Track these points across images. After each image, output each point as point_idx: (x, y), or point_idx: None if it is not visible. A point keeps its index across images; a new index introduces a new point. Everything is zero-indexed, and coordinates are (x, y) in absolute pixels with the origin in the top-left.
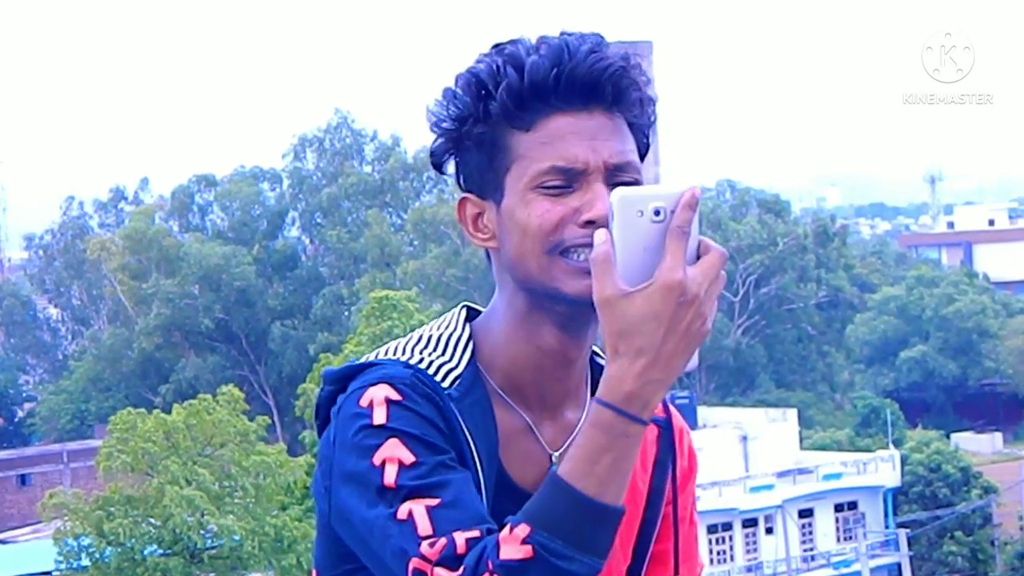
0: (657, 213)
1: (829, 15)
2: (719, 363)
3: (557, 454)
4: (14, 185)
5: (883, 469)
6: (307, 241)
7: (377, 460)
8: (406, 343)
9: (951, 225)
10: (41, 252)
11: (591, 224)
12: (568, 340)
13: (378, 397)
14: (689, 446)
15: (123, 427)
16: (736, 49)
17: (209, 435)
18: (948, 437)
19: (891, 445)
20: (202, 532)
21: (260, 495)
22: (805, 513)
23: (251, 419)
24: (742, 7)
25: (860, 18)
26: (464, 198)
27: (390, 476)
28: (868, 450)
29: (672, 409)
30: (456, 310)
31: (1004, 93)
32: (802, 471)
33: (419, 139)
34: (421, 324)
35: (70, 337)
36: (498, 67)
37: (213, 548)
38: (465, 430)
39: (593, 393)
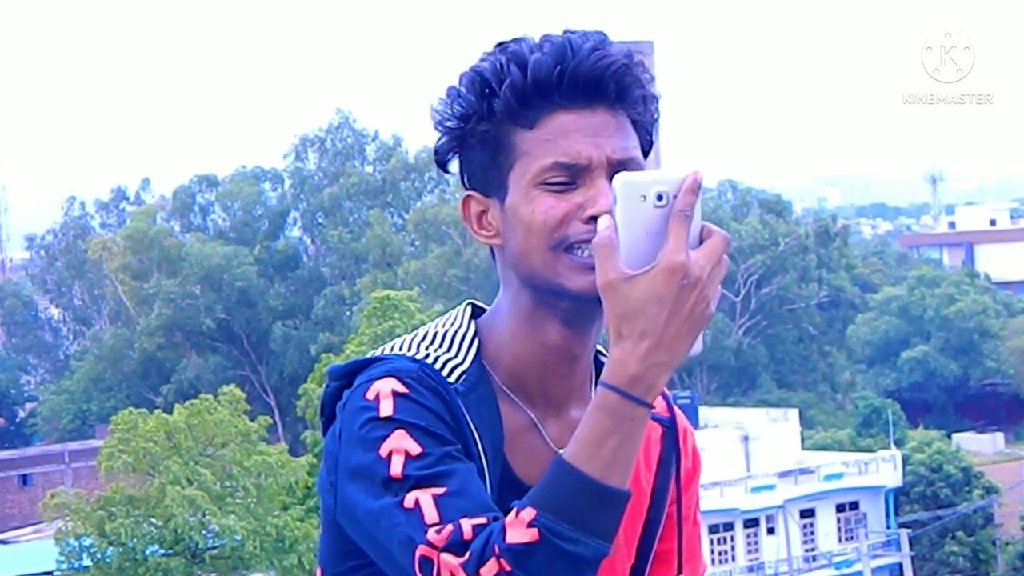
0: (660, 198)
1: (829, 15)
2: (720, 363)
3: (562, 452)
4: (15, 185)
5: (884, 469)
6: (308, 241)
7: (384, 451)
8: (411, 339)
9: (952, 225)
10: (42, 252)
11: (595, 220)
12: (573, 336)
13: (385, 390)
14: (693, 446)
15: (124, 427)
16: (737, 49)
17: (210, 435)
18: (949, 437)
19: (892, 445)
20: (203, 532)
21: (261, 495)
22: (806, 513)
23: (252, 419)
24: (743, 7)
25: (860, 18)
26: (468, 196)
27: (397, 467)
28: (869, 450)
29: (676, 409)
30: (461, 307)
31: (1004, 93)
32: (803, 471)
33: (420, 139)
34: (423, 324)
35: (71, 337)
36: (502, 65)
37: (215, 548)
38: (471, 425)
39: None
